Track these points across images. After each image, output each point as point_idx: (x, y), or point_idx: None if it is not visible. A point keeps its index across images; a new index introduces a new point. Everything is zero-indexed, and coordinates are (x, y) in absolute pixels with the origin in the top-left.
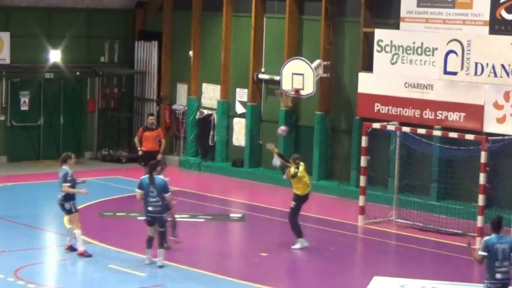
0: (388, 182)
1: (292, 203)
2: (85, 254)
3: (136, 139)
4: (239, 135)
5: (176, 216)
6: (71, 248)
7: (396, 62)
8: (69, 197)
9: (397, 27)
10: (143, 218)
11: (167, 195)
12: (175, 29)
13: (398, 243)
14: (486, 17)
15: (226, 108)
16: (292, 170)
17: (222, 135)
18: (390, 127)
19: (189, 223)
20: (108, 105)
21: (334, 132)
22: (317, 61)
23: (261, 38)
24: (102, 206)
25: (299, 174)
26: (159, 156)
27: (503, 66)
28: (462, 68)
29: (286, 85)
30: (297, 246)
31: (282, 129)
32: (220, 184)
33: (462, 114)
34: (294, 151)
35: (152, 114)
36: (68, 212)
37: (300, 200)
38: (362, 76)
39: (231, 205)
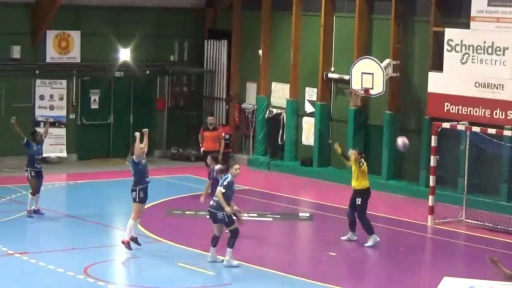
0: (457, 182)
1: (358, 200)
2: (125, 245)
3: (199, 137)
4: (308, 134)
5: (245, 215)
6: (135, 240)
7: (466, 61)
8: (135, 186)
9: (467, 26)
10: None
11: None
12: (244, 28)
13: (468, 244)
14: None
15: (295, 107)
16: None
17: (291, 134)
18: (460, 126)
19: (258, 222)
20: (177, 104)
21: (403, 131)
22: (387, 61)
23: (330, 37)
24: (171, 204)
25: (363, 167)
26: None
27: None
28: None
29: (355, 84)
30: (369, 243)
31: (405, 143)
32: (289, 183)
33: None
34: (363, 150)
35: (211, 115)
36: (133, 200)
37: (365, 194)
38: (432, 76)
39: (300, 204)
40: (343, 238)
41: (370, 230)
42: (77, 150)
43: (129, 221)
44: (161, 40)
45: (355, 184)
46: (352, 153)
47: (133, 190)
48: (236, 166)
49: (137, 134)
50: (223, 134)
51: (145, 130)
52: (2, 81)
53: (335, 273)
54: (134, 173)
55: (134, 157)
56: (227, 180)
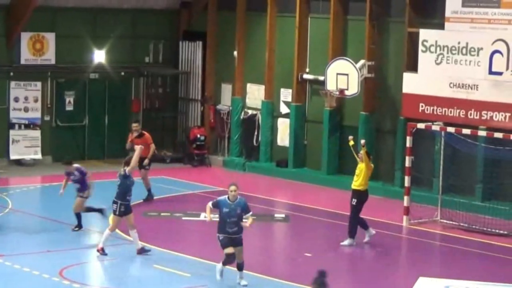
0: (432, 183)
1: (354, 201)
2: (100, 252)
3: (128, 142)
4: (284, 135)
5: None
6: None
7: (441, 62)
8: (116, 199)
9: (442, 27)
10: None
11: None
12: (219, 29)
13: (443, 244)
14: None
15: (271, 108)
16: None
17: (266, 135)
18: (435, 127)
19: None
20: (152, 105)
21: (378, 132)
22: (362, 61)
23: (305, 38)
24: (147, 206)
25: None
26: (146, 161)
27: None
28: (507, 68)
29: (330, 85)
30: (345, 242)
31: None
32: (264, 184)
33: (507, 114)
34: (338, 151)
35: (136, 121)
36: (113, 212)
37: (361, 196)
38: (407, 76)
39: (275, 206)
40: (365, 240)
41: (352, 233)
42: (52, 152)
43: (106, 231)
44: (136, 41)
45: (357, 183)
46: (363, 151)
47: (114, 202)
48: (232, 188)
49: (141, 146)
50: (151, 141)
51: (141, 146)
52: None
53: (310, 274)
54: (120, 185)
55: (128, 169)
56: (217, 198)
